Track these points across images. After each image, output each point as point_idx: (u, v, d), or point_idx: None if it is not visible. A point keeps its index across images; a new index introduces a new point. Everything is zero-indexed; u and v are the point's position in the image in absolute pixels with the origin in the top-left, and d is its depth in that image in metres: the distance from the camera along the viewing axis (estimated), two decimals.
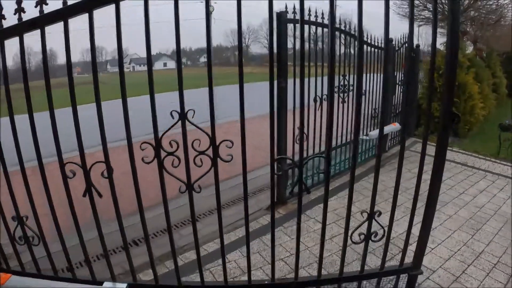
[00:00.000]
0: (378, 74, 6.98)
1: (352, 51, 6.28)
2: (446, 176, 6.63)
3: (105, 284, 2.61)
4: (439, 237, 4.51)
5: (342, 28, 5.93)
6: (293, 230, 4.66)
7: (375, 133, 6.54)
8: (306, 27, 5.12)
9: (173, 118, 2.22)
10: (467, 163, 7.56)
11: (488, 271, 3.87)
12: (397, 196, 2.65)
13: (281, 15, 4.81)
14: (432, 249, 4.24)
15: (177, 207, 4.69)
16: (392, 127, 7.25)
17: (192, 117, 2.24)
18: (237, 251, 4.22)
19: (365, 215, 2.63)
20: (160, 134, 2.29)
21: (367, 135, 6.59)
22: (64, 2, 2.19)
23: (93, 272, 2.73)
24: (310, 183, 5.82)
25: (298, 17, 4.98)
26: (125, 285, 2.59)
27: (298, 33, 5.10)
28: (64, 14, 2.18)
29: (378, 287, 2.98)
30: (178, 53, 2.24)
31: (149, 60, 2.24)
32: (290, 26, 4.99)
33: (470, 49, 14.06)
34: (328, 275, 2.96)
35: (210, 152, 2.32)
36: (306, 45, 5.08)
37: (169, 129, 2.22)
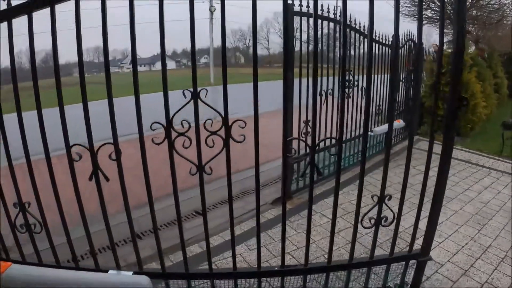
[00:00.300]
0: (383, 71, 6.97)
1: (358, 47, 6.27)
2: (450, 173, 6.46)
3: (110, 271, 2.56)
4: (446, 232, 4.47)
5: (348, 23, 5.88)
6: (299, 224, 4.63)
7: (379, 129, 6.49)
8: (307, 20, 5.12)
9: (185, 97, 2.18)
10: (471, 161, 7.53)
11: (496, 265, 3.84)
12: (407, 178, 2.63)
13: (288, 7, 4.75)
14: (440, 243, 4.20)
15: (181, 201, 4.65)
16: (396, 124, 7.19)
17: (205, 97, 2.20)
18: (242, 244, 4.17)
19: (376, 199, 2.60)
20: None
21: (371, 131, 6.54)
22: None
23: (97, 261, 2.68)
24: (316, 177, 5.76)
25: (305, 9, 4.95)
26: (130, 273, 2.53)
27: (304, 26, 5.08)
28: None
29: (387, 274, 2.94)
30: (192, 42, 2.20)
31: (163, 55, 2.20)
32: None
33: (472, 48, 14.01)
34: (338, 261, 2.91)
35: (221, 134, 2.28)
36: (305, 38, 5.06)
37: (182, 108, 2.18)
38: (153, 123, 2.20)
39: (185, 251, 2.66)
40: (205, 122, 2.22)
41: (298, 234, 4.40)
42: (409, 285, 2.99)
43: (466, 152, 8.17)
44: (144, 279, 2.37)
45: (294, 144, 5.13)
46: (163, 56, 2.23)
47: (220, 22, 2.23)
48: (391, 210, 2.62)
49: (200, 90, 2.19)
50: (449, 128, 2.52)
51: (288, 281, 3.15)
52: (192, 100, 2.22)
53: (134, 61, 2.24)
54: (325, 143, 5.27)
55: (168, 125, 2.24)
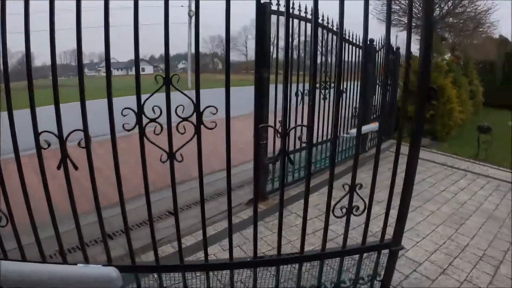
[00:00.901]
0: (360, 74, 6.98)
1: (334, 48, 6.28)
2: (426, 174, 6.68)
3: (79, 265, 2.45)
4: (424, 231, 4.47)
5: (325, 24, 5.87)
6: (274, 225, 4.54)
7: (355, 131, 6.48)
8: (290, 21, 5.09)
9: (157, 83, 2.10)
10: (447, 163, 7.62)
11: (474, 263, 3.84)
12: (377, 168, 2.71)
13: (266, 6, 4.73)
14: (417, 242, 4.20)
15: (154, 201, 4.57)
16: (372, 126, 7.20)
17: (177, 83, 2.12)
18: (216, 245, 4.08)
19: (347, 188, 2.63)
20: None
21: (348, 133, 6.53)
22: None
23: (65, 258, 2.56)
24: (291, 179, 5.74)
25: (282, 9, 4.91)
26: (99, 265, 2.42)
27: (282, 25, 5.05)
28: None
29: (360, 265, 2.91)
30: (166, 23, 2.12)
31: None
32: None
33: (447, 55, 14.18)
34: (310, 251, 2.90)
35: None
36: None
37: (153, 93, 2.09)
38: (124, 109, 2.11)
39: (155, 241, 2.54)
40: (176, 108, 2.13)
41: (273, 234, 4.32)
42: (382, 275, 2.94)
43: (442, 155, 8.26)
44: (113, 271, 2.27)
45: (270, 145, 5.09)
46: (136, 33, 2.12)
47: (194, 21, 2.17)
48: (362, 200, 2.61)
49: (172, 76, 2.11)
50: (418, 130, 2.59)
51: (261, 277, 3.08)
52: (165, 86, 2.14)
53: (107, 52, 2.15)
54: (301, 145, 5.22)
55: (139, 111, 2.15)
